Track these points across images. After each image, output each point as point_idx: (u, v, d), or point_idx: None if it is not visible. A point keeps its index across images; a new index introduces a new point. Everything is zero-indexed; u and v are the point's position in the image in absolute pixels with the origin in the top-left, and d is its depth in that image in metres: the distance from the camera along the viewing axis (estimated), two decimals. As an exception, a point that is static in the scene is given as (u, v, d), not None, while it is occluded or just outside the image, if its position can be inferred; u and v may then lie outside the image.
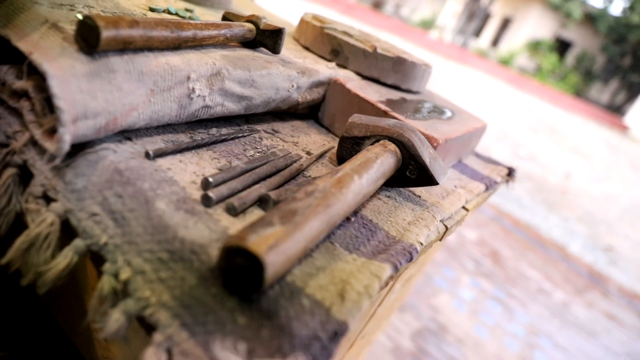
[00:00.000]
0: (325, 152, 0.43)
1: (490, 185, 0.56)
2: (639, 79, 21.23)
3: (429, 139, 0.44)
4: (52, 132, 0.29)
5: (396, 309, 0.83)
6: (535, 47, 22.07)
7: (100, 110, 0.28)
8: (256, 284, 0.21)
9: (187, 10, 0.52)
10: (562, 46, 23.50)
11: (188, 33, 0.35)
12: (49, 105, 0.29)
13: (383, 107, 0.47)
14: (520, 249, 3.03)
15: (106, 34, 0.28)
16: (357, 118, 0.41)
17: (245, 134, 0.40)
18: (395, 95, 0.54)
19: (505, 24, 24.77)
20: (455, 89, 8.52)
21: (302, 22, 0.60)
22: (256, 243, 0.21)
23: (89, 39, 0.28)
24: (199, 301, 0.22)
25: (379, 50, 0.54)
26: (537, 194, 4.46)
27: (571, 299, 2.60)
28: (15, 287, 0.47)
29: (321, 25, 0.56)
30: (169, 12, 0.48)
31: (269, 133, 0.43)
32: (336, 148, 0.45)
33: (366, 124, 0.40)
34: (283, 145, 0.41)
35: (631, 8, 19.32)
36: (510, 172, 0.65)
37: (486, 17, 26.04)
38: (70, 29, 0.31)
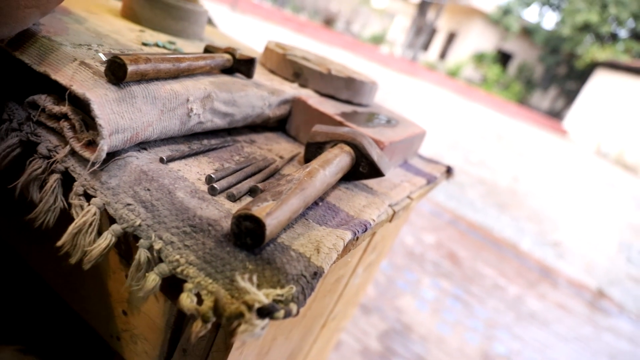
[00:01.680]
0: (294, 156, 0.53)
1: (431, 180, 0.68)
2: (574, 86, 22.59)
3: (377, 142, 0.55)
4: (88, 144, 0.37)
5: (361, 296, 0.93)
6: (479, 59, 23.08)
7: (126, 127, 0.37)
8: (259, 240, 0.31)
9: (170, 42, 0.62)
10: (504, 57, 24.70)
11: (184, 65, 0.44)
12: (84, 124, 0.38)
13: (339, 118, 0.58)
14: (475, 249, 3.19)
15: (130, 68, 0.37)
16: (319, 127, 0.51)
17: (230, 144, 0.50)
18: (348, 108, 0.65)
19: (451, 37, 25.78)
20: (408, 101, 8.83)
21: (267, 49, 0.71)
22: (258, 211, 0.31)
23: (117, 73, 0.37)
24: (217, 257, 0.32)
25: (332, 72, 0.65)
26: (488, 196, 4.69)
27: (524, 292, 2.77)
28: (30, 284, 0.54)
29: (284, 52, 0.67)
30: (157, 46, 0.57)
31: (247, 143, 0.53)
32: (303, 152, 0.56)
33: (326, 132, 0.50)
34: (260, 152, 0.51)
35: (562, 22, 20.66)
36: (449, 169, 0.78)
37: (433, 32, 27.00)
38: (95, 64, 0.40)
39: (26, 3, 0.37)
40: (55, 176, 0.37)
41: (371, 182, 0.55)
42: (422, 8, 24.72)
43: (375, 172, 0.49)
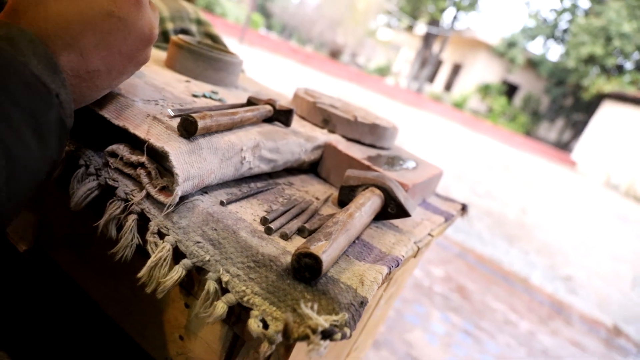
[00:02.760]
0: (328, 197, 0.60)
1: (448, 218, 0.73)
2: (581, 118, 22.67)
3: (402, 184, 0.61)
4: (162, 189, 0.44)
5: (379, 328, 0.98)
6: (485, 90, 23.33)
7: (195, 175, 0.43)
8: (316, 274, 0.37)
9: (213, 92, 0.69)
10: (509, 89, 24.95)
11: (237, 117, 0.51)
12: (159, 171, 0.44)
13: (366, 162, 0.64)
14: (484, 282, 3.18)
15: (200, 125, 0.44)
16: (351, 172, 0.57)
17: (273, 187, 0.56)
18: (373, 152, 0.72)
19: (456, 69, 26.12)
20: (415, 132, 8.94)
21: (297, 97, 0.78)
22: (316, 249, 0.36)
23: (188, 128, 0.44)
24: (279, 288, 0.37)
25: (358, 119, 0.72)
26: (496, 228, 4.69)
27: (536, 328, 2.76)
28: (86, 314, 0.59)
29: (314, 101, 0.74)
30: (205, 97, 0.64)
31: (287, 185, 0.59)
32: (335, 194, 0.62)
33: (358, 176, 0.56)
34: (299, 194, 0.57)
35: (567, 54, 20.92)
36: (464, 207, 0.83)
37: (438, 64, 27.41)
38: (164, 119, 0.47)
39: (102, 85, 0.44)
40: (133, 217, 0.43)
41: (397, 221, 0.60)
42: (427, 40, 25.24)
43: (402, 213, 0.55)
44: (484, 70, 23.15)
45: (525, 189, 7.61)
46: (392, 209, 0.56)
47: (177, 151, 0.42)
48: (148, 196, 0.44)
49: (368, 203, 0.52)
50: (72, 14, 0.39)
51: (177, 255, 0.43)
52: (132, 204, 0.44)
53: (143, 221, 0.44)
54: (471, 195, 5.60)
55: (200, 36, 1.02)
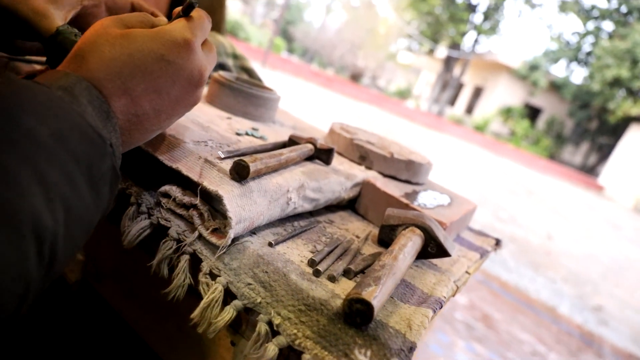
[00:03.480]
0: (368, 235, 0.61)
1: (483, 254, 0.73)
2: (607, 141, 22.24)
3: (440, 222, 0.62)
4: (214, 231, 0.45)
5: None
6: (507, 113, 23.13)
7: (246, 217, 0.45)
8: (367, 319, 0.38)
9: (254, 129, 0.71)
10: (532, 112, 24.68)
11: (283, 158, 0.53)
12: (211, 213, 0.46)
13: (404, 200, 0.65)
14: (510, 311, 3.10)
15: (252, 168, 0.46)
16: (391, 211, 0.58)
17: (314, 225, 0.57)
18: (409, 188, 0.73)
19: (478, 92, 26.03)
20: (436, 155, 8.89)
21: (334, 132, 0.80)
22: (367, 295, 0.37)
23: (241, 173, 0.46)
24: (330, 333, 0.38)
25: (395, 156, 0.73)
26: (521, 255, 4.58)
27: (567, 361, 2.65)
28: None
29: (351, 137, 0.76)
30: (247, 134, 0.67)
31: (327, 223, 0.60)
32: (374, 231, 0.63)
33: (398, 215, 0.57)
34: (340, 232, 0.59)
35: (591, 77, 20.68)
36: (498, 242, 0.83)
37: (459, 87, 27.38)
38: (215, 161, 0.49)
39: (151, 127, 0.45)
40: (186, 257, 0.45)
41: (436, 260, 0.61)
42: (448, 63, 25.32)
43: (442, 252, 0.56)
44: (505, 93, 23.02)
45: (550, 214, 7.46)
46: (432, 249, 0.56)
47: (230, 195, 0.44)
48: (200, 237, 0.46)
49: (409, 244, 0.52)
50: (124, 59, 0.41)
51: (227, 295, 0.44)
52: (185, 244, 0.46)
53: (194, 261, 0.46)
54: (494, 221, 5.51)
55: (236, 70, 1.06)
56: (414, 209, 0.64)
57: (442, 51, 26.37)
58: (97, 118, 0.38)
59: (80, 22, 0.57)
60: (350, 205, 0.70)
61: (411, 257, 0.51)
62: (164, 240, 0.47)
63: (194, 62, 0.45)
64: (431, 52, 28.23)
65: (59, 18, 0.52)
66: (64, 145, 0.33)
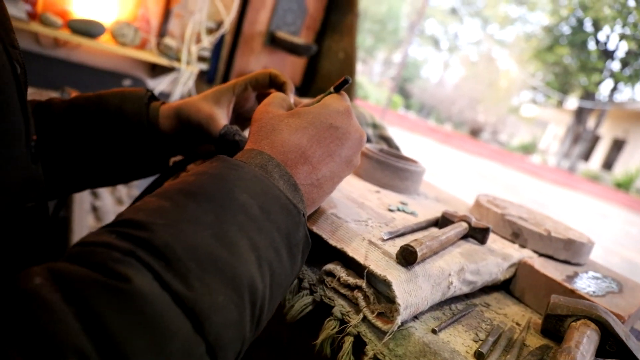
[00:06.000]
0: (529, 323, 0.57)
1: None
2: None
3: (617, 315, 0.55)
4: (379, 315, 0.46)
5: None
6: (655, 169, 20.40)
7: (412, 303, 0.45)
8: None
9: (402, 203, 0.72)
10: (688, 168, 21.44)
11: (443, 239, 0.53)
12: (376, 296, 0.47)
13: (568, 285, 0.60)
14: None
15: (419, 253, 0.46)
16: (557, 299, 0.54)
17: (471, 309, 0.55)
18: (569, 270, 0.67)
19: (618, 145, 23.52)
20: (568, 216, 8.09)
21: (480, 206, 0.78)
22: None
23: (408, 258, 0.47)
24: None
25: (552, 234, 0.69)
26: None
27: None
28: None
29: (502, 213, 0.73)
30: (398, 210, 0.68)
31: (484, 306, 0.58)
32: (534, 318, 0.58)
33: (567, 305, 0.53)
34: (498, 318, 0.55)
35: None
36: (681, 337, 0.71)
37: (594, 140, 25.04)
38: (380, 244, 0.50)
39: (328, 189, 0.49)
40: (350, 339, 0.46)
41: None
42: (580, 115, 23.39)
43: (625, 354, 0.49)
44: (652, 147, 20.39)
45: None
46: (611, 347, 0.50)
47: (398, 280, 0.45)
48: (364, 319, 0.47)
49: (584, 340, 0.48)
50: (301, 133, 0.47)
51: (392, 382, 0.44)
52: (350, 325, 0.47)
53: (356, 343, 0.47)
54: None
55: (375, 139, 1.10)
56: (582, 297, 0.58)
57: (572, 102, 24.53)
58: (289, 191, 0.43)
59: (236, 107, 0.66)
60: (504, 285, 0.66)
61: (591, 355, 0.46)
62: (328, 319, 0.49)
63: (355, 126, 0.51)
64: (559, 103, 26.41)
65: (223, 118, 0.62)
66: (269, 216, 0.38)
